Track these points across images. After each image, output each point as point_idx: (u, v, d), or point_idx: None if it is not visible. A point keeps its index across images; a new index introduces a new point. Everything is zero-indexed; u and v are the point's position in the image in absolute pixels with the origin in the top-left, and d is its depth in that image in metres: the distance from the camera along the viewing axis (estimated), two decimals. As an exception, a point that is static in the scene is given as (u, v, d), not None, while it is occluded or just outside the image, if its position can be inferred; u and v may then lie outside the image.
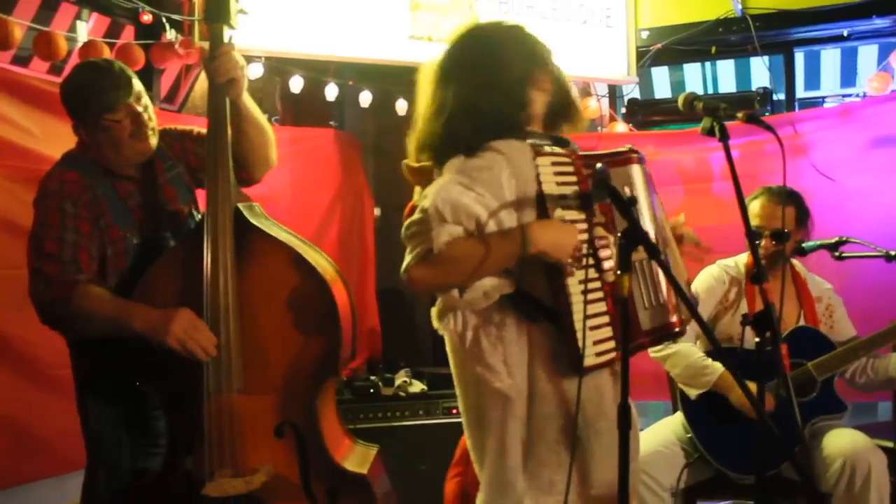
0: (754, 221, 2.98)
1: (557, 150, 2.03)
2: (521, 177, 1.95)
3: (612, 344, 1.96)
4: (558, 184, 1.96)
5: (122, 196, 2.31)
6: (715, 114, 1.99)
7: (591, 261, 1.91)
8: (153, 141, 2.30)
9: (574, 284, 1.92)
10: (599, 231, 1.98)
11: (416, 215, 1.92)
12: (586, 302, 1.91)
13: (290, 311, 2.22)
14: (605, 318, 1.97)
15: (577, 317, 1.90)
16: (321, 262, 2.29)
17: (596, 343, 1.93)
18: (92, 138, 2.26)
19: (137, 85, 2.27)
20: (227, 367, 2.17)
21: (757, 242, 2.94)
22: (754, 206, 3.01)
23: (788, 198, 3.03)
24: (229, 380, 2.17)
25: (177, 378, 2.20)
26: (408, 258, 1.91)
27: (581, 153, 2.07)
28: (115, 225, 2.27)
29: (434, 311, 2.06)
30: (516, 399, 1.97)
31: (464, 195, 1.90)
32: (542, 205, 1.94)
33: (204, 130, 2.30)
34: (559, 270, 1.91)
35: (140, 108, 2.25)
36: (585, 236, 1.94)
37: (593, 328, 1.93)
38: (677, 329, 2.06)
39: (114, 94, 2.21)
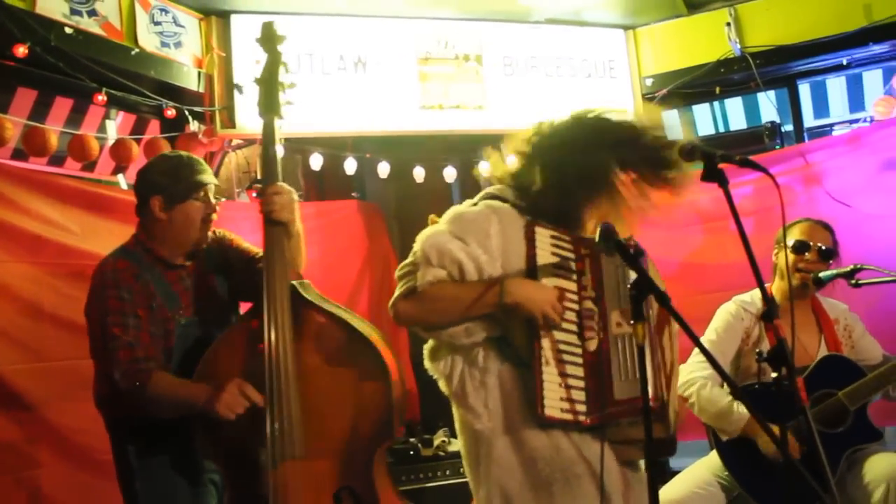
0: (800, 236, 3.07)
1: (558, 227, 2.12)
2: (509, 238, 2.06)
3: (582, 408, 2.02)
4: (553, 254, 2.07)
5: (170, 281, 2.48)
6: (711, 160, 2.03)
7: (572, 326, 2.03)
8: (209, 233, 2.53)
9: (552, 339, 2.02)
10: (587, 304, 2.08)
11: (409, 258, 2.08)
12: (559, 360, 2.00)
13: (347, 378, 2.32)
14: (580, 383, 2.03)
15: (547, 368, 1.99)
16: (369, 331, 2.40)
17: (563, 399, 2.00)
18: (167, 215, 2.44)
19: None
20: (290, 435, 2.25)
21: (803, 255, 3.03)
22: (795, 228, 3.09)
23: (828, 227, 3.12)
24: (292, 446, 2.25)
25: (237, 451, 2.31)
26: (395, 294, 2.07)
27: (579, 235, 2.15)
28: (165, 307, 2.42)
29: (426, 350, 2.16)
30: (494, 441, 2.05)
31: (450, 242, 2.04)
32: (533, 272, 2.04)
33: (240, 241, 2.62)
34: (534, 324, 2.01)
35: (214, 200, 2.50)
36: (574, 306, 2.04)
37: (566, 387, 2.00)
38: (651, 404, 1.97)
39: (206, 177, 2.49)
